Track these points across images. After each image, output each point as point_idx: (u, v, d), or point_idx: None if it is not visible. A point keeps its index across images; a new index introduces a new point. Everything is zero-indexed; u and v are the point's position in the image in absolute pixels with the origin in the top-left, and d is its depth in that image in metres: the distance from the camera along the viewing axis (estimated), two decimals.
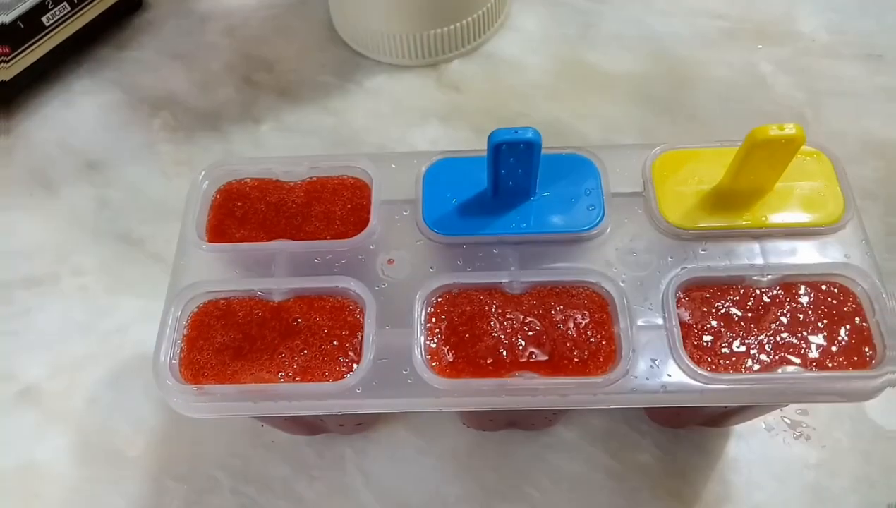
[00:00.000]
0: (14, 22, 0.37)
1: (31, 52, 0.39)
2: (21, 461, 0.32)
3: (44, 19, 0.39)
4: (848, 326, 0.23)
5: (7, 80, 0.39)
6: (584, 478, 0.30)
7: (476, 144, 0.39)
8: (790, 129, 0.23)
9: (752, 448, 0.30)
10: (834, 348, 0.23)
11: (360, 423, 0.30)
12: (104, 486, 0.31)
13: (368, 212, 0.26)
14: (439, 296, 0.24)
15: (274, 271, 0.25)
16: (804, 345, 0.23)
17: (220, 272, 0.25)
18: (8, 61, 0.38)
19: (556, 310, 0.24)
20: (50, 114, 0.42)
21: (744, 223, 0.25)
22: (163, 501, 0.30)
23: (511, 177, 0.25)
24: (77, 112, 0.42)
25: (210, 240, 0.26)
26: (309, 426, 0.30)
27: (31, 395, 0.33)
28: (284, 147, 0.40)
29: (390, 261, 0.25)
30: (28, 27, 0.38)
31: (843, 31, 0.43)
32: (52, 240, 0.38)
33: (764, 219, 0.25)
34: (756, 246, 0.25)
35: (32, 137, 0.41)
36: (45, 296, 0.36)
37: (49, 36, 0.40)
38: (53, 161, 0.40)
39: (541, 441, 0.31)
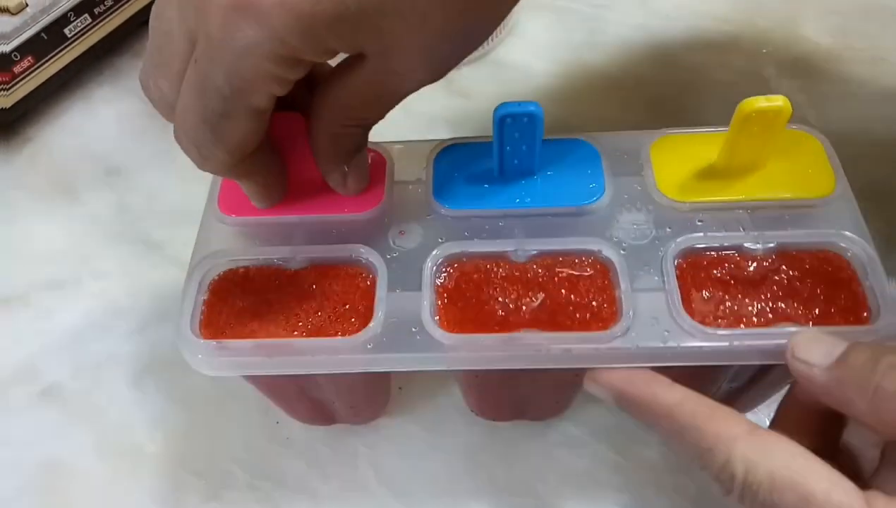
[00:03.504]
0: (38, 34, 0.39)
1: (53, 62, 0.41)
2: (44, 457, 0.33)
3: (66, 31, 0.40)
4: (842, 292, 0.24)
5: (31, 90, 0.40)
6: (590, 474, 0.31)
7: None
8: (777, 101, 0.23)
9: None
10: (832, 310, 0.24)
11: (372, 406, 0.31)
12: (124, 481, 0.32)
13: (382, 189, 0.27)
14: (448, 264, 0.25)
15: (292, 242, 0.26)
16: (800, 310, 0.24)
17: (241, 244, 0.27)
18: (13, 85, 0.39)
19: (559, 277, 0.25)
20: (71, 123, 0.43)
21: (739, 197, 0.26)
22: (181, 495, 0.31)
23: (516, 155, 0.26)
24: (97, 120, 0.43)
25: (231, 213, 0.27)
26: (321, 411, 0.31)
27: (53, 394, 0.34)
28: None
29: (401, 233, 0.26)
30: (51, 38, 0.40)
31: (847, 34, 0.44)
32: (74, 244, 0.39)
33: (758, 193, 0.26)
34: (750, 217, 0.26)
35: (54, 145, 0.43)
36: (68, 298, 0.37)
37: (71, 47, 0.41)
38: (75, 168, 0.42)
39: (548, 437, 0.32)
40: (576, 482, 0.31)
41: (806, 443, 0.21)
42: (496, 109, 0.24)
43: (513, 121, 0.24)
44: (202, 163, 0.22)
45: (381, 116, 0.23)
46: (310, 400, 0.30)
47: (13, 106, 0.40)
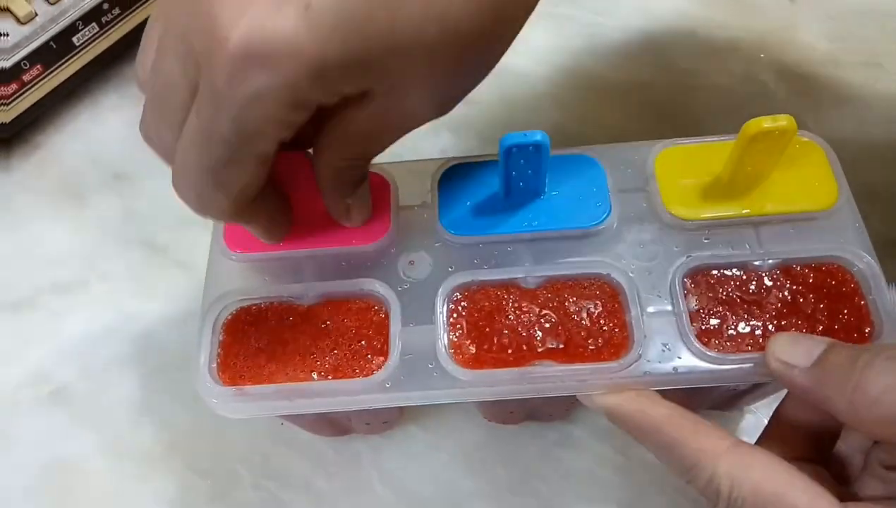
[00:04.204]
0: (47, 43, 0.39)
1: (62, 70, 0.41)
2: (53, 458, 0.33)
3: (74, 39, 0.41)
4: (846, 306, 0.24)
5: (39, 98, 0.41)
6: (591, 474, 0.31)
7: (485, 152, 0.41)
8: (782, 121, 0.23)
9: None
10: (835, 326, 0.24)
11: (387, 421, 0.32)
12: (131, 482, 0.32)
13: (388, 217, 0.27)
14: (459, 294, 0.26)
15: (302, 277, 0.26)
16: (806, 325, 0.24)
17: (250, 280, 0.27)
18: (22, 93, 0.39)
19: (569, 302, 0.25)
20: (79, 129, 0.44)
21: (743, 212, 0.26)
22: (187, 495, 0.32)
23: (521, 179, 0.26)
24: (105, 127, 0.44)
25: (238, 249, 0.27)
26: (336, 426, 0.31)
27: (61, 396, 0.35)
28: None
29: (411, 263, 0.26)
30: (59, 47, 0.40)
31: (844, 38, 0.44)
32: (81, 248, 0.39)
33: (762, 207, 0.26)
34: (756, 232, 0.26)
35: (63, 151, 0.43)
36: (76, 302, 0.38)
37: (79, 55, 0.42)
38: (82, 173, 0.42)
39: (550, 438, 0.32)
40: (577, 482, 0.31)
41: (797, 454, 0.21)
42: (502, 140, 0.24)
43: (519, 151, 0.24)
44: (202, 210, 0.22)
45: (383, 150, 0.23)
46: (326, 420, 0.30)
47: (22, 114, 0.41)
